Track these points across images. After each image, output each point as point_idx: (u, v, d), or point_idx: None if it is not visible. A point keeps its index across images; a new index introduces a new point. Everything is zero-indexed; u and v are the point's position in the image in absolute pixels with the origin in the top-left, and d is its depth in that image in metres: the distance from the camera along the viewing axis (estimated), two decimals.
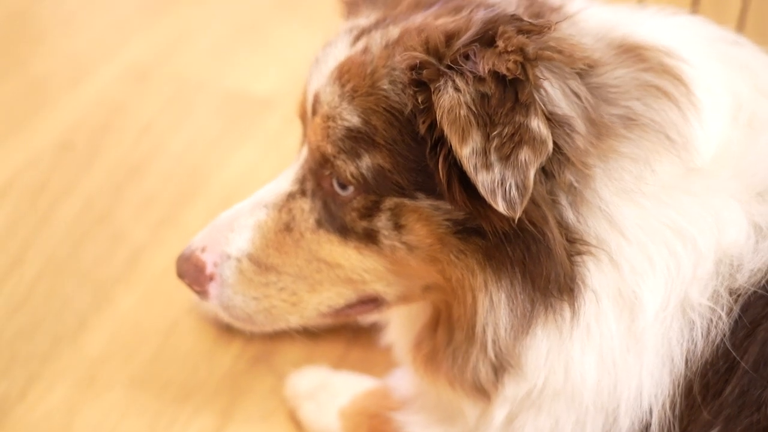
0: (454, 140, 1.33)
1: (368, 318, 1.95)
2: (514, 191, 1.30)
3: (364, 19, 1.58)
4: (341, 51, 1.54)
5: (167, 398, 2.08)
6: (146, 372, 2.14)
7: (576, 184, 1.39)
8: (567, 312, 1.43)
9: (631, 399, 1.45)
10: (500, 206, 1.31)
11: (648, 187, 1.42)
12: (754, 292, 1.41)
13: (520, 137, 1.30)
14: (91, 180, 2.59)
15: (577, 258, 1.42)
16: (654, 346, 1.43)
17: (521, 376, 1.48)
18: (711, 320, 1.41)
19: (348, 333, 2.16)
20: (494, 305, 1.45)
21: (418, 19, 1.50)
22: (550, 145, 1.30)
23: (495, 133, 1.30)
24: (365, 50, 1.49)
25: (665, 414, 1.44)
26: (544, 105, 1.33)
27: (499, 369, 1.47)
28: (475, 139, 1.31)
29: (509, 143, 1.30)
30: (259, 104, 2.82)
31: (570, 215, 1.40)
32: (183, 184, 2.58)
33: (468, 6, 1.47)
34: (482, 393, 1.52)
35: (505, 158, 1.30)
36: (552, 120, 1.33)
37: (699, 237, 1.42)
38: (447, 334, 1.53)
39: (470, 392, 1.52)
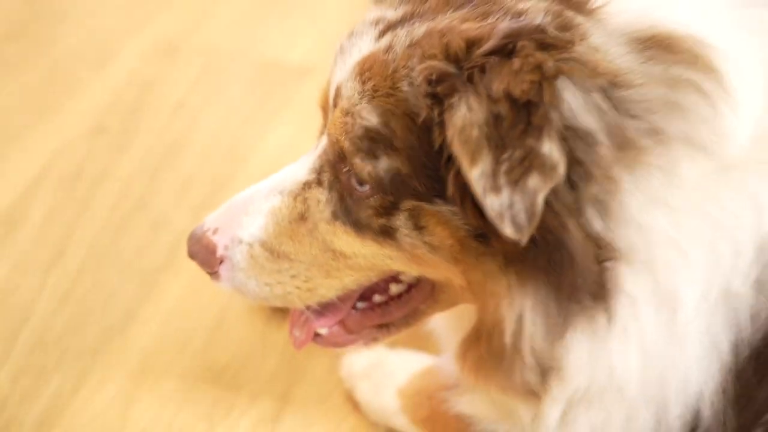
0: (464, 161, 1.33)
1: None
2: (522, 216, 1.30)
3: (392, 12, 1.57)
4: (366, 45, 1.54)
5: (223, 386, 2.10)
6: (200, 361, 2.14)
7: (602, 197, 1.39)
8: (601, 317, 1.44)
9: (680, 389, 1.47)
10: (507, 230, 1.31)
11: (679, 191, 1.42)
12: None
13: (530, 162, 1.30)
14: (127, 164, 2.57)
15: (608, 263, 1.42)
16: (698, 337, 1.45)
17: (566, 378, 1.50)
18: (756, 307, 1.43)
19: None
20: (520, 312, 1.45)
21: (445, 20, 1.49)
22: (562, 171, 1.30)
23: (505, 156, 1.31)
24: (389, 48, 1.49)
25: (717, 399, 1.47)
26: (564, 118, 1.34)
27: (545, 372, 1.49)
28: (485, 161, 1.31)
29: (519, 168, 1.30)
30: (295, 72, 2.78)
31: (597, 225, 1.40)
32: (221, 163, 2.56)
33: (496, 12, 1.46)
34: (534, 396, 1.54)
35: (514, 183, 1.30)
36: (572, 133, 1.34)
37: (737, 227, 1.42)
38: (487, 343, 1.53)
39: (522, 396, 1.54)
